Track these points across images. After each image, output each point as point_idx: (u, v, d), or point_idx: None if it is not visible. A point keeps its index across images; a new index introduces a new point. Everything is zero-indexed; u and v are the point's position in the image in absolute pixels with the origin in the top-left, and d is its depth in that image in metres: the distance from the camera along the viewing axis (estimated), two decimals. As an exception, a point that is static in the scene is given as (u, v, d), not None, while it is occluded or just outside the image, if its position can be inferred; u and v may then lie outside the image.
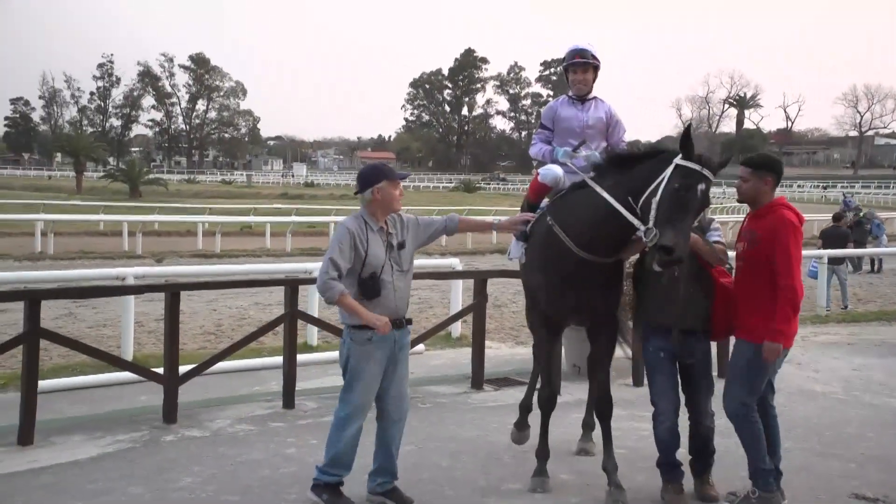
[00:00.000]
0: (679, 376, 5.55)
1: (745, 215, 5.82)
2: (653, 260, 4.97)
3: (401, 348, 5.30)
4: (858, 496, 5.70)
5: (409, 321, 5.41)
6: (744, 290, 5.38)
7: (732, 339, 5.56)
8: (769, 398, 5.55)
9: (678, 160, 4.93)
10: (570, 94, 6.30)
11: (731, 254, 5.68)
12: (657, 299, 5.43)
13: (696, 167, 4.87)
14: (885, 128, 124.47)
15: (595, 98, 6.29)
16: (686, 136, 4.96)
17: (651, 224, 4.88)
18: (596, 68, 6.24)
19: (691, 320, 5.38)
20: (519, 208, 6.26)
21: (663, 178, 4.92)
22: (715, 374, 5.78)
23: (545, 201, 5.90)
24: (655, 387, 5.54)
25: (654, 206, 4.89)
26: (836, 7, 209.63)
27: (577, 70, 6.16)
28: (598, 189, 5.25)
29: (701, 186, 4.86)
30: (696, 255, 5.26)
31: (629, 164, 5.25)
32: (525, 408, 6.44)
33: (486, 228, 6.31)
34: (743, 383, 5.43)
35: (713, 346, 5.86)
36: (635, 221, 4.99)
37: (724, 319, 5.41)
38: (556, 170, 5.74)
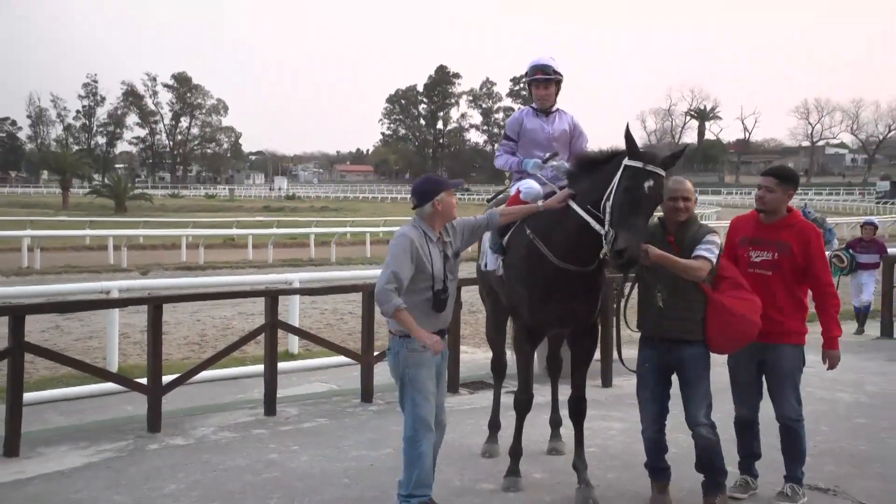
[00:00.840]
0: (670, 386, 5.34)
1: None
2: (612, 265, 4.97)
3: (444, 357, 5.19)
4: (812, 487, 5.70)
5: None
6: (780, 296, 5.33)
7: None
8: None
9: (625, 161, 4.93)
10: (534, 105, 6.25)
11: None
12: (642, 309, 5.33)
13: (641, 165, 4.86)
14: (834, 138, 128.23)
15: (558, 110, 6.26)
16: (627, 136, 4.95)
17: (607, 227, 4.89)
18: (558, 82, 6.19)
19: (670, 329, 5.15)
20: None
21: (615, 181, 4.93)
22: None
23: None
24: (639, 397, 5.42)
25: (608, 209, 4.91)
26: (787, 26, 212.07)
27: (540, 86, 6.12)
28: (572, 203, 5.27)
29: (648, 183, 4.83)
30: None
31: (592, 170, 5.25)
32: (494, 426, 6.49)
33: (530, 212, 5.61)
34: (795, 387, 5.45)
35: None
36: (598, 227, 4.99)
37: (719, 332, 5.12)
38: (537, 186, 5.72)
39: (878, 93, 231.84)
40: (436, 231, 5.08)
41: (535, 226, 5.49)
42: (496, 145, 6.98)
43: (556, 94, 6.23)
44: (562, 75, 6.20)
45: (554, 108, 6.23)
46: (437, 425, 5.16)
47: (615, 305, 8.56)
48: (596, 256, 5.19)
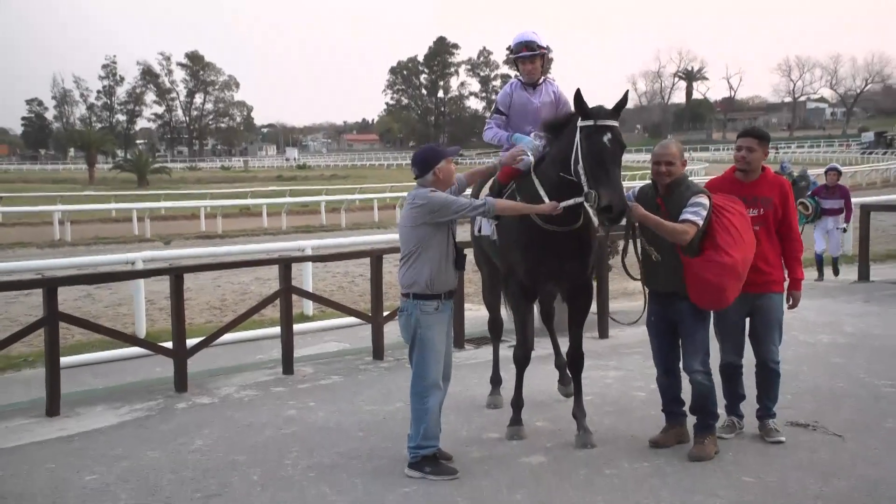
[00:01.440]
0: (676, 335, 5.36)
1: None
2: (599, 222, 4.98)
3: (451, 318, 5.24)
4: (793, 423, 5.78)
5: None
6: (768, 249, 5.36)
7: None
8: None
9: (579, 123, 4.96)
10: (522, 78, 6.18)
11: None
12: (643, 265, 5.36)
13: (592, 122, 4.90)
14: (815, 94, 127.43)
15: (544, 80, 6.21)
16: (577, 99, 5.01)
17: (587, 189, 4.89)
18: (543, 55, 6.12)
19: (666, 284, 5.21)
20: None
21: (577, 144, 4.95)
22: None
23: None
24: (651, 344, 5.51)
25: (581, 172, 4.93)
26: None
27: (526, 61, 6.06)
28: (533, 175, 5.39)
29: (606, 136, 4.89)
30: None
31: (558, 135, 5.28)
32: (496, 382, 6.55)
33: (490, 171, 5.92)
34: (780, 332, 5.52)
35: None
36: (543, 194, 5.18)
37: (696, 296, 5.12)
38: (529, 157, 5.69)
39: (855, 48, 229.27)
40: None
41: (522, 195, 5.50)
42: (486, 117, 6.78)
43: (542, 66, 6.17)
44: (546, 48, 6.13)
45: (541, 80, 6.18)
46: (448, 377, 5.23)
47: (610, 262, 8.63)
48: (575, 217, 5.21)
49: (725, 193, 5.38)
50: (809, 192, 13.34)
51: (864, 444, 5.46)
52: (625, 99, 5.15)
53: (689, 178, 5.42)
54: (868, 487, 4.77)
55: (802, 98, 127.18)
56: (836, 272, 13.08)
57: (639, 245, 5.33)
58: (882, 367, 7.33)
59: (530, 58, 6.04)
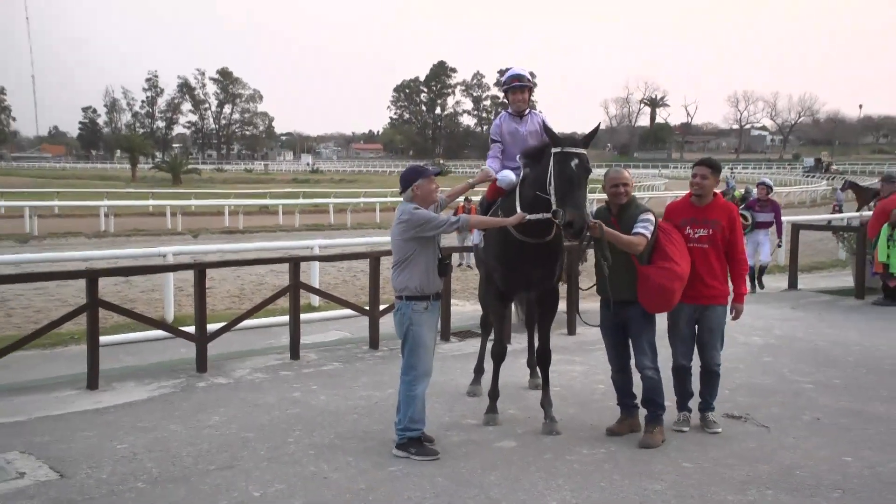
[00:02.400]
0: (627, 336, 5.36)
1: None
2: (567, 236, 5.01)
3: (439, 315, 5.20)
4: (728, 415, 5.79)
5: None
6: (715, 265, 5.36)
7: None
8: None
9: (553, 150, 4.98)
10: (510, 110, 6.18)
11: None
12: (597, 276, 5.35)
13: (560, 150, 4.94)
14: (758, 123, 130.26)
15: (530, 111, 6.19)
16: (546, 130, 5.10)
17: (555, 207, 4.92)
18: (531, 88, 6.16)
19: (617, 292, 5.18)
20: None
21: (550, 168, 4.96)
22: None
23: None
24: (605, 346, 5.50)
25: (552, 192, 4.94)
26: (721, 29, 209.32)
27: (517, 92, 6.05)
28: (516, 198, 5.37)
29: (574, 161, 4.91)
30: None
31: (535, 161, 5.27)
32: (478, 371, 6.51)
33: (465, 189, 5.91)
34: (722, 339, 5.51)
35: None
36: (526, 214, 5.13)
37: (645, 298, 5.13)
38: (511, 176, 5.68)
39: (791, 86, 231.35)
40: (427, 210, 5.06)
41: (505, 211, 5.51)
42: (478, 132, 6.78)
43: (529, 98, 6.19)
44: (534, 83, 6.17)
45: (527, 112, 6.18)
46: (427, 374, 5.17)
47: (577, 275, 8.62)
48: (547, 230, 5.23)
49: (682, 215, 5.45)
50: (743, 206, 12.39)
51: (786, 433, 5.49)
52: (595, 131, 5.27)
53: (637, 200, 5.42)
54: (786, 471, 4.80)
55: (747, 126, 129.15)
56: (761, 284, 12.18)
57: (601, 259, 5.32)
58: (804, 366, 7.36)
59: (520, 88, 6.04)
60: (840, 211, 24.94)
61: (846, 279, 12.73)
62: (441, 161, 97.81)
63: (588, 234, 4.92)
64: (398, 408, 5.11)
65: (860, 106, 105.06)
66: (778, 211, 12.03)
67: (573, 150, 4.94)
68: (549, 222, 5.15)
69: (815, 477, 4.71)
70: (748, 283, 10.97)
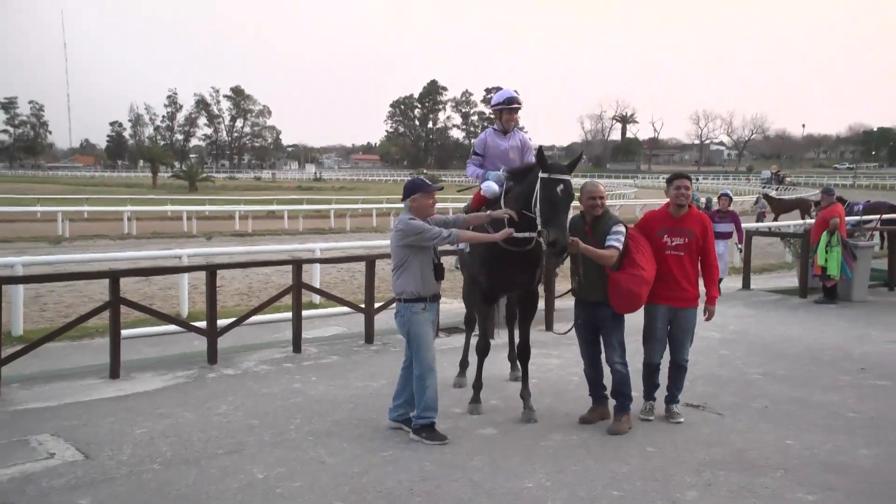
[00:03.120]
0: (598, 334, 5.36)
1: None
2: (549, 254, 4.97)
3: (437, 315, 5.15)
4: (688, 404, 5.78)
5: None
6: (690, 271, 5.34)
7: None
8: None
9: (540, 174, 4.92)
10: (495, 127, 6.13)
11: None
12: (572, 280, 5.33)
13: (547, 176, 4.88)
14: (716, 139, 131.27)
15: (514, 130, 6.18)
16: (539, 156, 4.99)
17: (540, 227, 4.88)
18: (519, 109, 6.15)
19: (590, 295, 5.21)
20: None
21: (537, 190, 4.92)
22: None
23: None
24: (578, 343, 5.48)
25: (537, 213, 4.90)
26: (684, 53, 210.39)
27: (512, 112, 6.03)
28: (502, 205, 5.33)
29: (560, 187, 4.86)
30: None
31: (521, 179, 5.22)
32: (463, 364, 6.46)
33: (484, 220, 5.44)
34: (690, 338, 5.49)
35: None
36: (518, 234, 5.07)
37: (615, 300, 5.12)
38: (495, 186, 5.65)
39: (745, 106, 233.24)
40: (423, 221, 4.98)
41: (491, 218, 5.46)
42: (466, 144, 6.70)
43: (517, 118, 6.18)
44: (521, 105, 6.13)
45: (511, 129, 6.16)
46: None
47: (554, 277, 8.61)
48: (528, 241, 5.19)
49: (660, 224, 5.40)
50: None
51: (738, 419, 5.50)
52: (578, 159, 5.22)
53: (610, 211, 5.41)
54: (738, 453, 4.82)
55: (707, 141, 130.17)
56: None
57: (575, 275, 5.29)
58: (755, 359, 7.38)
59: (516, 110, 6.05)
60: (765, 217, 25.71)
61: (792, 280, 12.78)
62: (425, 171, 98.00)
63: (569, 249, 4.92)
64: (395, 395, 5.09)
65: (803, 125, 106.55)
66: (738, 220, 11.54)
67: (560, 176, 4.89)
68: (530, 224, 5.07)
69: (763, 458, 4.73)
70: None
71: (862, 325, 9.17)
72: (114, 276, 6.71)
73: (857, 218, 17.00)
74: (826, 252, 10.51)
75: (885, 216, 18.00)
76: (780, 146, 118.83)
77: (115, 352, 6.54)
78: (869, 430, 5.28)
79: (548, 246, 4.82)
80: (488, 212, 5.21)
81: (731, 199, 11.76)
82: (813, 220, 13.51)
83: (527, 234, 5.07)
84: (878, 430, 5.31)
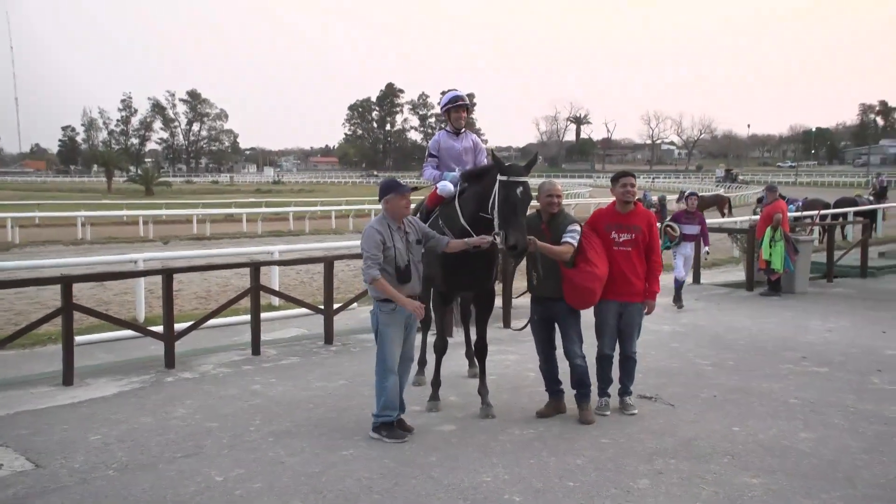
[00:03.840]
0: (553, 330, 5.42)
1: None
2: (508, 255, 5.02)
3: (414, 317, 4.97)
4: (641, 396, 5.87)
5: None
6: (637, 266, 5.40)
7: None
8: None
9: (499, 177, 4.93)
10: (447, 128, 6.19)
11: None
12: (529, 277, 5.38)
13: (506, 178, 4.90)
14: (667, 139, 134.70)
15: (465, 131, 6.23)
16: (495, 159, 5.01)
17: (497, 229, 4.90)
18: (468, 108, 6.22)
19: (546, 291, 5.27)
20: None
21: (495, 193, 4.94)
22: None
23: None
24: (534, 338, 5.51)
25: (495, 215, 4.92)
26: (635, 55, 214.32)
27: (458, 111, 6.09)
28: (457, 206, 5.31)
29: (519, 189, 4.88)
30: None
31: (478, 180, 5.24)
32: (421, 363, 6.46)
33: (462, 247, 5.18)
34: (638, 330, 5.56)
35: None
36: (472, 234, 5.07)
37: (570, 297, 5.21)
38: (450, 186, 5.66)
39: (693, 107, 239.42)
40: (395, 222, 4.94)
41: (444, 218, 5.49)
42: (423, 145, 6.72)
43: (467, 116, 6.23)
44: (469, 104, 6.19)
45: (463, 130, 6.20)
46: (407, 360, 5.10)
47: (511, 275, 8.66)
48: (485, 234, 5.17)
49: (607, 220, 5.48)
50: (669, 217, 10.77)
51: (688, 410, 5.62)
52: (534, 159, 5.22)
53: (565, 210, 5.47)
54: (687, 442, 4.92)
55: (658, 141, 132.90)
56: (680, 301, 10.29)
57: (527, 264, 5.35)
58: (704, 350, 7.56)
59: (463, 107, 6.09)
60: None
61: (740, 274, 13.11)
62: (376, 173, 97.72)
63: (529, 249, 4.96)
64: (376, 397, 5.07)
65: (748, 125, 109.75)
66: (704, 222, 10.76)
67: (519, 178, 4.90)
68: (487, 226, 5.08)
69: (711, 446, 4.85)
70: (681, 299, 10.06)
71: (803, 315, 9.48)
72: (66, 282, 6.53)
73: (797, 214, 17.56)
74: (770, 247, 10.86)
75: (822, 212, 18.66)
76: (727, 145, 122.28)
77: (68, 358, 6.36)
78: (809, 415, 5.48)
79: (508, 248, 4.85)
80: (466, 240, 5.13)
81: (698, 198, 10.97)
82: (758, 216, 13.88)
83: (488, 240, 5.02)
84: (817, 414, 5.51)
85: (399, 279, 4.88)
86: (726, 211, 28.63)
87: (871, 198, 21.72)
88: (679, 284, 10.18)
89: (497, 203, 4.91)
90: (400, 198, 4.92)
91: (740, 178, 67.81)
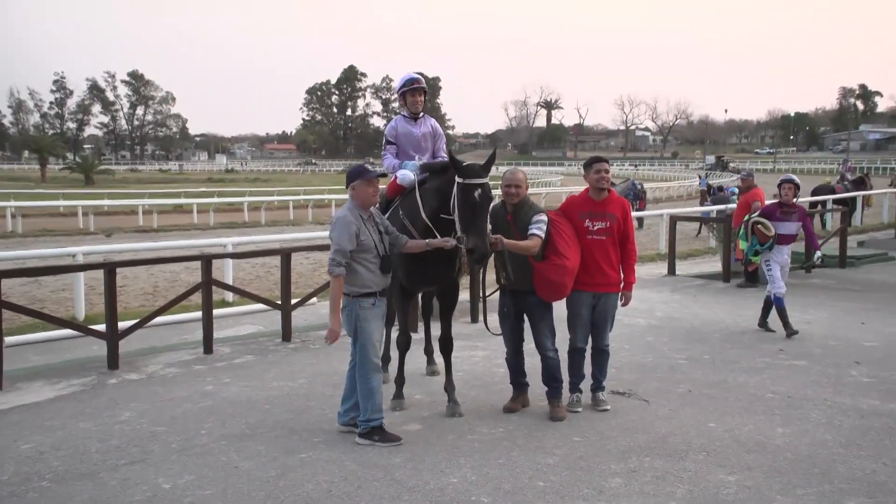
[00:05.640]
0: (523, 322, 5.48)
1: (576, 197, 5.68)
2: (469, 260, 5.04)
3: (385, 308, 5.02)
4: (614, 392, 5.96)
5: None
6: (612, 255, 5.43)
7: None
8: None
9: (457, 179, 4.92)
10: (405, 113, 6.19)
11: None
12: (497, 269, 5.41)
13: (463, 181, 4.89)
14: (641, 124, 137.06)
15: (424, 115, 6.23)
16: (451, 160, 5.02)
17: (459, 232, 4.91)
18: (425, 91, 6.21)
19: (517, 283, 5.30)
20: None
21: (454, 194, 4.95)
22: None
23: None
24: (502, 330, 5.54)
25: (456, 218, 4.94)
26: (607, 37, 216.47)
27: (414, 94, 6.10)
28: (418, 199, 5.31)
29: (477, 191, 4.88)
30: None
31: (436, 176, 5.25)
32: (385, 360, 6.39)
33: (424, 248, 5.14)
34: (611, 322, 5.60)
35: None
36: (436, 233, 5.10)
37: (540, 290, 5.25)
38: (410, 175, 5.64)
39: (669, 91, 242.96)
40: (364, 211, 4.90)
41: (406, 210, 5.47)
42: (383, 150, 6.65)
43: (424, 100, 6.22)
44: (427, 88, 6.19)
45: (421, 115, 6.19)
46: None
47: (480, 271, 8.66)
48: (447, 234, 5.17)
49: (581, 208, 5.49)
50: (757, 213, 8.57)
51: (662, 405, 5.71)
52: (492, 159, 5.14)
53: (531, 200, 5.50)
54: (662, 439, 5.00)
55: (632, 127, 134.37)
56: (766, 324, 8.33)
57: (495, 257, 5.37)
58: (680, 344, 7.69)
59: (419, 90, 6.09)
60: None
61: (716, 265, 13.37)
62: (314, 161, 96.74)
63: (491, 252, 4.99)
64: (344, 397, 5.06)
65: (725, 110, 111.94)
66: (806, 217, 8.54)
67: (476, 181, 4.89)
68: (449, 226, 5.07)
69: (686, 443, 4.94)
70: (790, 325, 7.96)
71: (781, 307, 9.71)
72: (-6, 278, 6.32)
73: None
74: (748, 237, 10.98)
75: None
76: (704, 131, 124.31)
77: (-5, 362, 6.15)
78: (785, 410, 5.62)
79: (467, 253, 4.89)
80: (427, 241, 5.11)
81: (797, 187, 8.44)
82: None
83: (447, 243, 5.02)
84: (793, 408, 5.65)
85: (383, 269, 4.87)
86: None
87: (849, 185, 22.26)
88: (779, 304, 8.04)
89: (457, 206, 4.93)
90: (367, 184, 4.87)
91: (731, 165, 68.64)
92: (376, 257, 4.85)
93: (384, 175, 5.03)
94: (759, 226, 8.15)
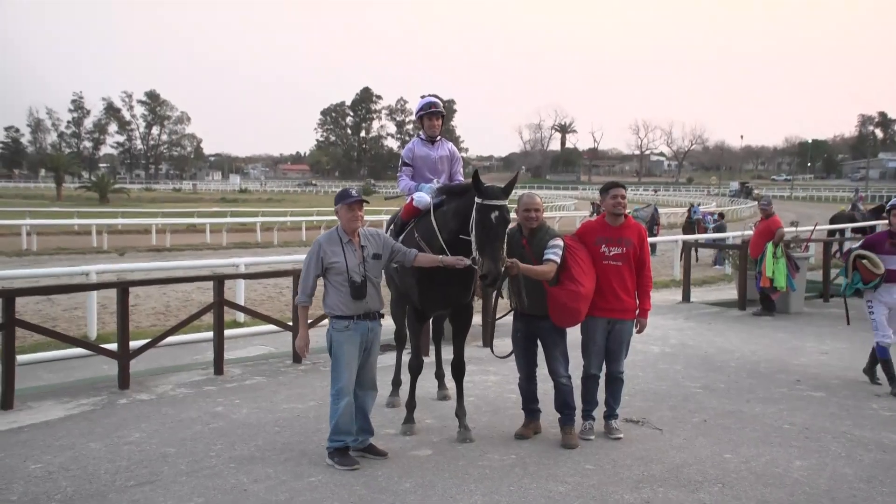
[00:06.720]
0: (536, 348, 5.46)
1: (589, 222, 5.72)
2: (482, 284, 5.04)
3: (374, 336, 5.00)
4: (627, 419, 5.91)
5: (382, 315, 5.07)
6: (628, 281, 5.42)
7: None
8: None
9: (476, 200, 4.94)
10: (422, 136, 6.25)
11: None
12: (512, 294, 5.40)
13: (481, 202, 4.90)
14: (656, 149, 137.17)
15: (441, 138, 6.28)
16: (475, 180, 5.00)
17: (475, 254, 4.93)
18: (442, 115, 6.28)
19: (531, 308, 5.29)
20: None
21: (473, 216, 4.97)
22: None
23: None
24: (515, 355, 5.51)
25: (473, 238, 4.95)
26: (623, 62, 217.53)
27: (432, 118, 6.15)
28: (433, 221, 5.36)
29: (494, 214, 4.88)
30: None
31: (455, 197, 5.28)
32: (396, 383, 6.45)
33: (435, 263, 5.20)
34: (626, 349, 5.58)
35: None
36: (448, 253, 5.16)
37: (554, 315, 5.23)
38: (427, 197, 5.69)
39: (685, 116, 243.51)
40: (347, 234, 4.94)
41: (421, 232, 5.50)
42: (398, 172, 6.74)
43: (441, 124, 6.28)
44: (444, 112, 6.26)
45: (438, 138, 6.25)
46: (363, 388, 5.04)
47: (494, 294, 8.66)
48: (464, 256, 5.19)
49: (597, 234, 5.49)
50: (860, 243, 7.25)
51: (677, 434, 5.66)
52: (513, 181, 5.15)
53: (547, 224, 5.51)
54: (676, 469, 4.95)
55: (647, 152, 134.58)
56: (873, 376, 7.30)
57: (510, 281, 5.37)
58: (694, 372, 7.63)
59: (436, 115, 6.14)
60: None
61: (732, 292, 13.29)
62: (314, 182, 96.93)
63: (505, 276, 4.99)
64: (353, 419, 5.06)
65: (741, 136, 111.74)
66: None
67: (495, 202, 4.91)
68: (466, 246, 5.08)
69: (701, 473, 4.89)
70: (885, 368, 7.05)
71: (798, 336, 9.63)
72: (8, 296, 6.38)
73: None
74: (773, 263, 10.87)
75: (818, 227, 18.97)
76: (720, 157, 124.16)
77: (8, 379, 6.20)
78: (802, 442, 5.55)
79: (480, 278, 4.90)
80: (441, 257, 5.16)
81: None
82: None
83: (461, 262, 5.06)
84: (811, 440, 5.58)
85: (353, 295, 4.86)
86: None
87: (868, 213, 22.11)
88: (883, 354, 7.03)
89: (474, 227, 4.94)
90: (346, 209, 4.90)
91: (755, 192, 68.42)
92: (346, 282, 4.86)
93: (366, 201, 5.03)
94: (865, 261, 6.93)
